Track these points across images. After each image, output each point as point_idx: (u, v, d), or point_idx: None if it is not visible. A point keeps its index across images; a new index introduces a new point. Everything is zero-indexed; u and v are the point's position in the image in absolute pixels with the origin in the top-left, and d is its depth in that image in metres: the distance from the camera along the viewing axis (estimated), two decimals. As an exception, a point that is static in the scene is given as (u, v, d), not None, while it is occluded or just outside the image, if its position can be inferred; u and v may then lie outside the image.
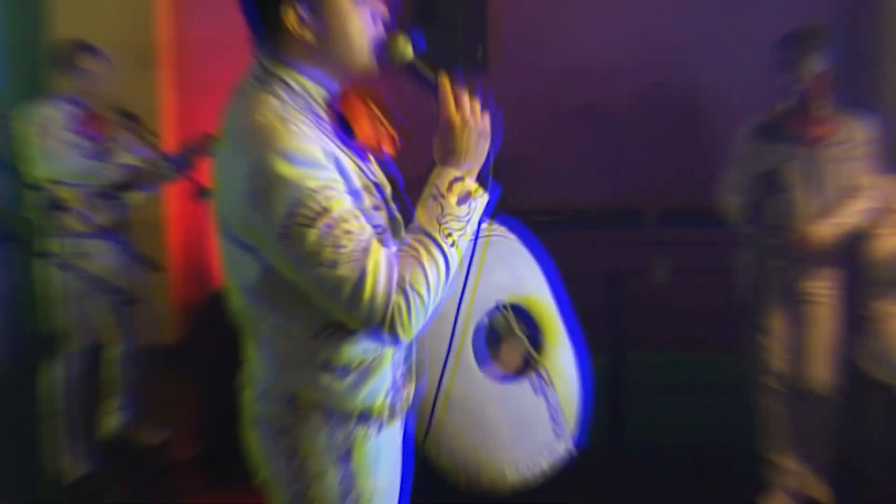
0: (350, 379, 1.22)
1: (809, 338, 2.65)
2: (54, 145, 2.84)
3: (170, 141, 3.81)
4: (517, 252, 1.77)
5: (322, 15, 1.16)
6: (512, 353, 1.81)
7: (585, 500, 2.72)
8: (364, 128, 1.22)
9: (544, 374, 1.76)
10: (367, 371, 1.22)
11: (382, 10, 1.20)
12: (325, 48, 1.17)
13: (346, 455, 1.24)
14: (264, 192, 1.06)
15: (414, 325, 1.11)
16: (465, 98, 1.16)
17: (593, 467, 2.74)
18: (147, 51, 3.97)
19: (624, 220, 3.46)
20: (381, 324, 1.09)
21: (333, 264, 1.07)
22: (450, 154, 1.17)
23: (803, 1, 3.56)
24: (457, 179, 1.16)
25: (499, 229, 1.72)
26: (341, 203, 1.08)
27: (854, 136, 2.55)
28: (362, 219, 1.10)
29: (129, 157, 3.00)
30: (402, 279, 1.09)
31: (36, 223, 2.92)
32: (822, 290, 2.63)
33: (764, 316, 2.70)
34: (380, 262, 1.08)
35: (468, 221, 1.16)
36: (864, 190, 2.54)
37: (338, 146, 1.15)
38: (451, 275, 1.16)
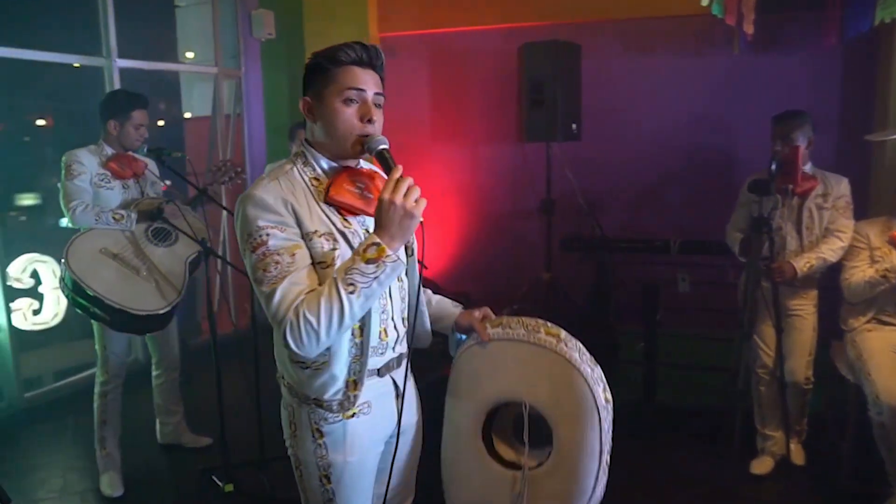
0: (307, 373, 1.50)
1: (792, 342, 3.04)
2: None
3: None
4: (562, 365, 1.61)
5: (320, 108, 1.46)
6: (508, 447, 1.81)
7: (625, 449, 3.38)
8: (344, 194, 1.46)
9: (522, 485, 1.70)
10: (317, 369, 1.49)
11: (368, 112, 1.44)
12: (324, 134, 1.48)
13: (318, 432, 1.52)
14: (238, 221, 1.42)
15: (305, 341, 1.34)
16: (403, 186, 1.32)
17: (633, 421, 3.53)
18: None
19: (657, 247, 4.28)
20: (281, 334, 1.35)
21: (261, 282, 1.38)
22: (377, 226, 1.36)
23: (811, 90, 4.49)
24: (374, 245, 1.33)
25: (557, 334, 1.65)
26: (276, 240, 1.38)
27: (829, 191, 2.95)
28: (289, 255, 1.37)
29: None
30: (299, 304, 1.34)
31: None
32: (803, 306, 3.04)
33: (757, 323, 3.09)
34: (287, 289, 1.35)
35: (375, 278, 1.33)
36: (837, 232, 2.93)
37: (311, 202, 1.44)
38: (351, 313, 1.34)
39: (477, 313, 1.73)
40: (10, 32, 4.08)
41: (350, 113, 1.44)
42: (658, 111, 4.91)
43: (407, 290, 1.64)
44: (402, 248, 1.41)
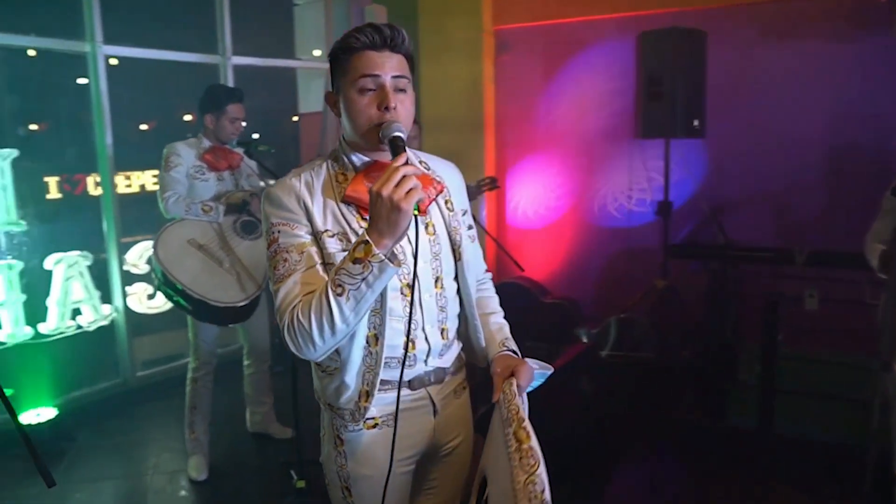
0: (322, 376, 1.47)
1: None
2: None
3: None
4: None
5: (341, 101, 1.39)
6: None
7: (736, 481, 3.05)
8: (361, 191, 1.37)
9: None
10: (331, 374, 1.44)
11: (386, 99, 1.33)
12: (348, 127, 1.40)
13: (338, 439, 1.48)
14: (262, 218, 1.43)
15: (301, 344, 1.28)
16: (395, 177, 1.19)
17: (747, 452, 3.24)
18: (479, 119, 5.31)
19: (781, 257, 3.78)
20: (281, 332, 1.32)
21: (271, 279, 1.36)
22: (369, 222, 1.25)
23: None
24: (363, 243, 1.22)
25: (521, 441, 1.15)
26: (286, 237, 1.35)
27: None
28: (297, 253, 1.33)
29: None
30: (296, 306, 1.29)
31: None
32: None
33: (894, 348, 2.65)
34: (289, 289, 1.31)
35: (363, 280, 1.22)
36: None
37: (329, 200, 1.38)
38: (342, 317, 1.24)
39: (499, 369, 1.46)
40: (145, 34, 4.36)
41: (366, 102, 1.34)
42: (796, 106, 4.36)
43: (449, 299, 1.50)
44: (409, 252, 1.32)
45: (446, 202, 1.52)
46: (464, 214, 1.57)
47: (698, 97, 4.16)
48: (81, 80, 4.10)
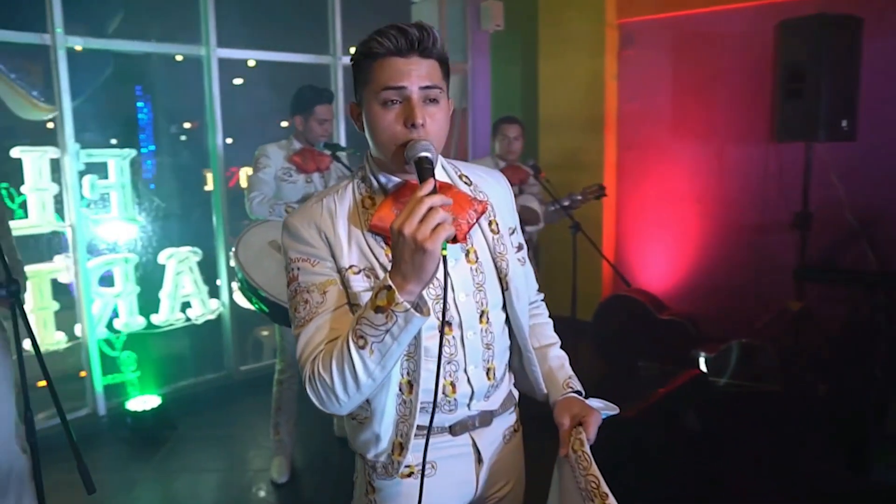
0: (353, 424, 1.32)
1: None
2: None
3: (608, 184, 4.82)
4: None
5: (363, 112, 1.23)
6: None
7: None
8: (389, 219, 1.18)
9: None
10: (361, 422, 1.29)
11: (412, 115, 1.16)
12: (373, 145, 1.24)
13: (370, 486, 1.35)
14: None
15: (325, 399, 1.15)
16: (419, 210, 1.03)
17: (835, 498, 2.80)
18: (598, 119, 5.08)
19: None
20: (304, 384, 1.18)
21: (293, 322, 1.22)
22: (392, 261, 1.10)
23: None
24: (385, 288, 1.07)
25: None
26: (306, 275, 1.20)
27: None
28: (319, 294, 1.19)
29: (529, 199, 3.38)
30: (317, 356, 1.16)
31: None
32: None
33: None
34: (311, 336, 1.18)
35: (386, 331, 1.08)
36: None
37: (354, 229, 1.22)
38: (367, 372, 1.11)
39: (567, 421, 1.31)
40: (260, 36, 4.48)
41: (390, 118, 1.18)
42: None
43: (496, 334, 1.33)
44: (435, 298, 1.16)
45: (490, 223, 1.34)
46: (511, 234, 1.39)
47: (849, 94, 3.62)
48: (237, 81, 4.23)
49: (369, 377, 1.11)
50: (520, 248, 1.40)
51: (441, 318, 1.14)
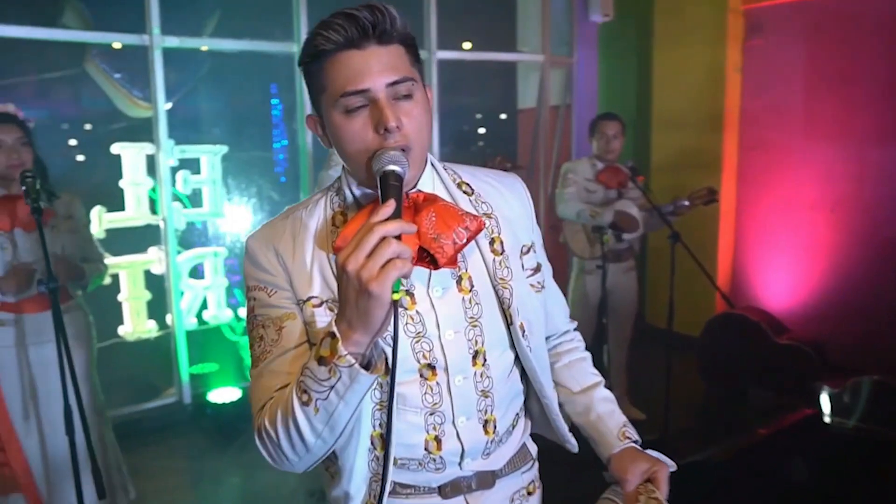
0: (327, 478, 1.15)
1: None
2: (571, 191, 3.44)
3: (727, 188, 4.50)
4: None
5: (325, 124, 1.05)
6: None
7: None
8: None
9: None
10: (333, 475, 1.12)
11: (383, 119, 0.96)
12: (343, 158, 1.06)
13: None
14: None
15: (274, 456, 1.01)
16: (368, 242, 0.85)
17: None
18: (719, 115, 4.66)
19: None
20: (254, 435, 1.03)
21: (251, 359, 1.08)
22: (339, 303, 0.92)
23: None
24: (329, 335, 0.91)
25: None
26: (262, 307, 1.05)
27: None
28: (275, 329, 1.04)
29: (628, 204, 3.36)
30: (265, 405, 1.02)
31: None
32: None
33: None
34: (263, 382, 1.03)
35: (331, 388, 0.91)
36: None
37: (319, 252, 1.05)
38: (312, 431, 0.96)
39: (636, 478, 1.13)
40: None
41: (357, 127, 0.98)
42: None
43: (496, 378, 1.12)
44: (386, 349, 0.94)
45: (493, 242, 1.11)
46: (526, 253, 1.15)
47: None
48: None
49: (317, 437, 0.96)
50: (536, 269, 1.17)
51: (391, 365, 0.90)
